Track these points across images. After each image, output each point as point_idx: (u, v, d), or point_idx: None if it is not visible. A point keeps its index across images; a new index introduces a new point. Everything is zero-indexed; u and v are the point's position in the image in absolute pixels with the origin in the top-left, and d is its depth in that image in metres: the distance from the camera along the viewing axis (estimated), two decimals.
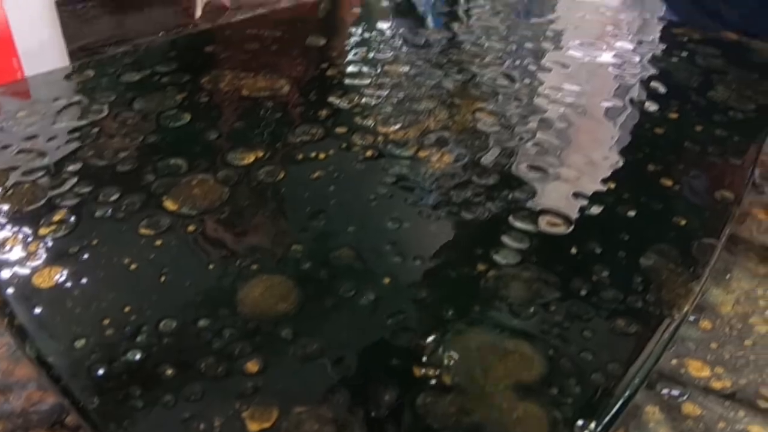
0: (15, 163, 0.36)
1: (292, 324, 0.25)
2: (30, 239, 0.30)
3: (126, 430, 0.21)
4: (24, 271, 0.28)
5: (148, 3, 0.92)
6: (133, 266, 0.28)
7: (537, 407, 0.22)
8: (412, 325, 0.25)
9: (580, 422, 0.21)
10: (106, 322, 0.25)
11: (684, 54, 0.55)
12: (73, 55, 0.71)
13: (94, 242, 0.30)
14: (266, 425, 0.21)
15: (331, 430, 0.21)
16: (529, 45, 0.57)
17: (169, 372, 0.23)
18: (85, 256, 0.29)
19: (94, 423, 0.22)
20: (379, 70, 0.49)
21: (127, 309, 0.26)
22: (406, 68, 0.50)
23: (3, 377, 0.30)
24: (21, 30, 0.54)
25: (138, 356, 0.23)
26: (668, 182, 0.36)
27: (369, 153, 0.38)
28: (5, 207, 0.32)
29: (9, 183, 0.34)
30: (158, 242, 0.30)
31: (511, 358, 0.24)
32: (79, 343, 0.24)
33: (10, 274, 0.28)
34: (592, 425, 0.21)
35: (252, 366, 0.23)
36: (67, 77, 0.48)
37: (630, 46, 0.57)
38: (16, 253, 0.29)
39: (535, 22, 0.64)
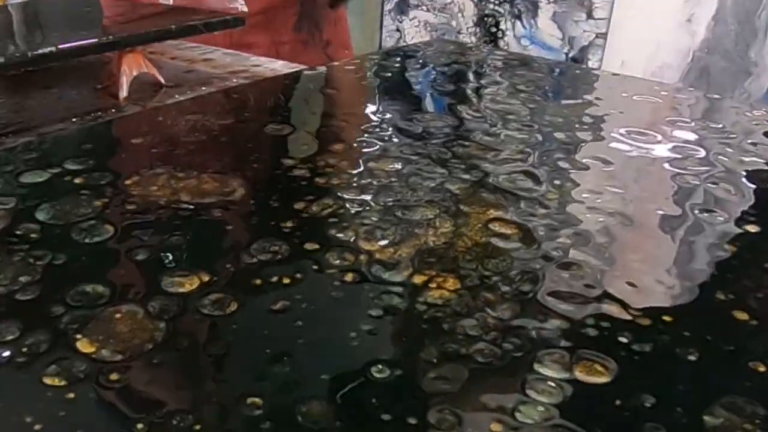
0: None
1: None
2: None
3: None
4: None
5: (57, 81, 0.94)
6: (37, 426, 0.28)
7: None
8: None
9: None
10: None
11: (763, 146, 0.57)
12: None
13: None
14: None
15: None
16: (559, 135, 0.58)
17: None
18: None
19: None
20: (362, 168, 0.50)
21: None
22: (397, 165, 0.51)
23: None
24: None
25: None
26: (743, 316, 0.36)
27: (349, 277, 0.38)
28: None
29: None
30: (70, 395, 0.30)
31: None
32: None
33: None
34: None
35: None
36: None
37: (693, 137, 0.58)
38: None
39: (568, 104, 0.66)
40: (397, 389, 0.31)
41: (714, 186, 0.50)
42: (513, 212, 0.45)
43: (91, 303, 0.36)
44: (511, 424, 0.29)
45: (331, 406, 0.30)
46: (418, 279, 0.38)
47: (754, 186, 0.50)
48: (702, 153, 0.55)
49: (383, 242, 0.41)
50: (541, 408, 0.30)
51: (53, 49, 0.79)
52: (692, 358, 0.33)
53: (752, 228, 0.45)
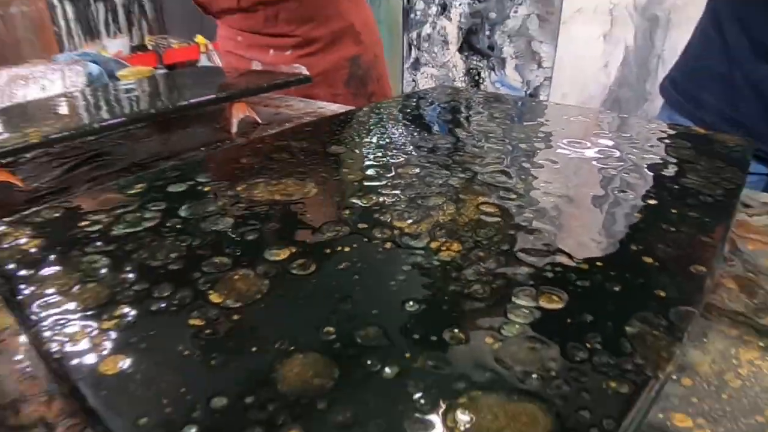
0: (80, 267, 0.37)
1: (327, 396, 0.26)
2: (95, 332, 0.31)
3: None
4: (91, 359, 0.29)
5: (190, 122, 0.95)
6: (186, 353, 0.29)
7: None
8: (431, 391, 0.26)
9: None
10: (165, 401, 0.26)
11: (657, 147, 0.57)
12: (126, 170, 0.74)
13: (152, 333, 0.31)
14: None
15: None
16: (523, 146, 0.58)
17: None
18: (144, 345, 0.30)
19: None
20: (393, 173, 0.50)
21: (182, 390, 0.26)
22: (417, 170, 0.51)
23: None
24: None
25: (193, 430, 0.24)
26: (649, 260, 0.37)
27: (387, 245, 0.39)
28: (73, 305, 0.33)
29: (76, 283, 0.35)
30: (207, 331, 0.30)
31: (520, 417, 0.24)
32: (142, 421, 0.25)
33: (79, 362, 0.29)
34: None
35: None
36: (121, 190, 0.49)
37: (611, 143, 0.58)
38: (84, 344, 0.30)
39: (528, 125, 0.66)
40: (422, 318, 0.32)
41: (626, 175, 0.49)
42: (495, 198, 0.45)
43: (218, 269, 0.36)
44: (498, 338, 0.29)
45: (380, 330, 0.30)
46: (433, 245, 0.38)
47: (652, 174, 0.50)
48: (617, 154, 0.55)
49: (409, 221, 0.42)
50: (518, 326, 0.30)
51: (187, 102, 0.80)
52: (616, 289, 0.33)
53: (652, 201, 0.45)
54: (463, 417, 0.25)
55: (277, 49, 1.32)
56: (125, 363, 0.28)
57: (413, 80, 2.37)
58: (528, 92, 2.38)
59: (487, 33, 2.13)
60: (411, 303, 0.32)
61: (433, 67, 2.33)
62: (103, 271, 0.37)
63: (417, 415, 0.25)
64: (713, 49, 0.87)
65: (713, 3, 0.89)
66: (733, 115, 0.84)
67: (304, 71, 1.25)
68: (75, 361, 0.29)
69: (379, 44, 1.41)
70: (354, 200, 0.46)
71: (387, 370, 0.27)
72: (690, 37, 0.96)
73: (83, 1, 3.90)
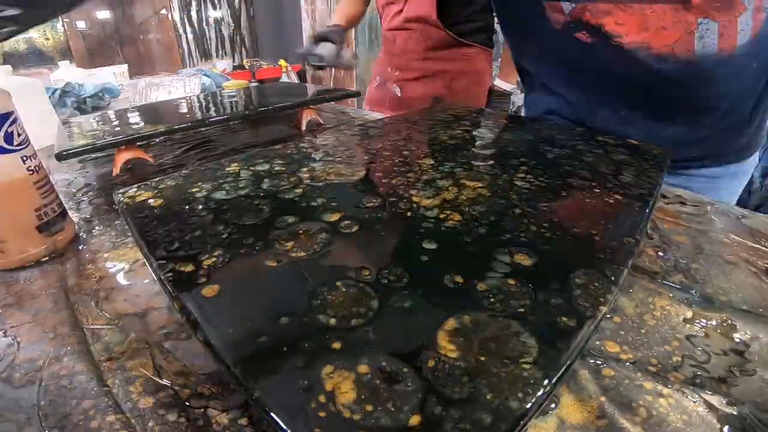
0: (189, 220, 0.38)
1: (365, 317, 0.26)
2: (199, 266, 0.31)
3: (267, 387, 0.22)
4: (195, 286, 0.29)
5: (272, 121, 0.95)
6: (263, 284, 0.29)
7: (521, 362, 0.23)
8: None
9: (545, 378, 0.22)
10: (247, 318, 0.26)
11: (611, 153, 0.56)
12: (226, 153, 0.74)
13: (239, 269, 0.31)
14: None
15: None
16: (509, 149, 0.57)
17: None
18: (233, 277, 0.30)
19: (243, 383, 0.23)
20: (414, 165, 0.50)
21: (259, 310, 0.27)
22: (431, 161, 0.50)
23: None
24: None
25: (264, 338, 0.24)
26: (594, 232, 0.36)
27: (408, 213, 0.39)
28: (183, 246, 0.34)
29: (186, 231, 0.36)
30: (279, 270, 0.31)
31: (500, 336, 0.25)
32: (231, 331, 0.25)
33: (186, 287, 0.29)
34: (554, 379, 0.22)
35: None
36: (222, 167, 0.49)
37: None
38: (190, 275, 0.30)
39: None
40: (436, 260, 0.32)
41: (582, 171, 0.48)
42: (485, 184, 0.45)
43: (288, 225, 0.37)
44: (488, 276, 0.29)
45: (404, 267, 0.30)
46: (441, 215, 0.38)
47: (599, 171, 0.48)
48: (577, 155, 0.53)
49: (425, 199, 0.41)
50: (500, 274, 0.30)
51: (270, 107, 0.80)
52: (570, 251, 0.33)
53: (597, 191, 0.44)
54: (459, 325, 0.25)
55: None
56: (219, 289, 0.29)
57: None
58: (513, 111, 2.35)
59: None
60: (426, 249, 0.32)
61: None
62: (206, 223, 0.37)
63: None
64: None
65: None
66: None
67: (397, 93, 1.24)
68: (183, 287, 0.29)
69: (474, 92, 1.25)
70: (385, 179, 0.45)
71: (407, 302, 0.28)
72: None
73: (201, 31, 3.96)
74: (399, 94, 1.26)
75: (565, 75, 0.72)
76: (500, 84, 1.25)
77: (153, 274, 0.32)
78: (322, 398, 0.21)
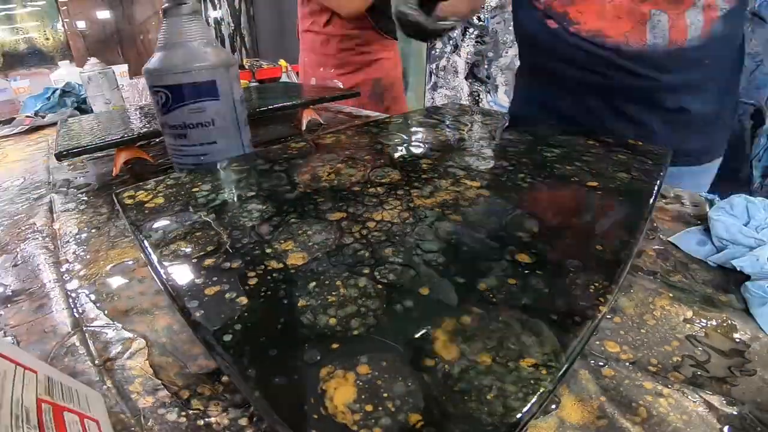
0: (187, 220, 0.37)
1: (374, 300, 0.26)
2: (198, 267, 0.31)
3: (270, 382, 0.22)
4: (194, 286, 0.29)
5: (273, 121, 0.95)
6: (261, 286, 0.29)
7: (523, 363, 0.23)
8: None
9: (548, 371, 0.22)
10: (247, 318, 0.26)
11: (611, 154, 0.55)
12: None
13: (236, 270, 0.31)
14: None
15: None
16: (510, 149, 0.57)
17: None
18: (231, 278, 0.30)
19: (243, 383, 0.23)
20: (415, 163, 0.50)
21: (257, 310, 0.27)
22: (431, 160, 0.50)
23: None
24: None
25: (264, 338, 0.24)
26: (595, 235, 0.36)
27: (410, 207, 0.38)
28: (181, 246, 0.34)
29: (185, 232, 0.36)
30: (275, 274, 0.31)
31: (501, 336, 0.25)
32: (232, 330, 0.25)
33: (186, 288, 0.29)
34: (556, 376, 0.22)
35: None
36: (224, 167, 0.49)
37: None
38: (189, 276, 0.30)
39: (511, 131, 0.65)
40: (436, 259, 0.31)
41: (585, 172, 0.48)
42: (484, 182, 0.45)
43: (290, 225, 0.36)
44: (487, 275, 0.29)
45: (404, 267, 0.30)
46: (441, 212, 0.38)
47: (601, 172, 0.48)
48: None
49: (425, 197, 0.41)
50: (499, 273, 0.30)
51: (272, 106, 0.80)
52: (571, 251, 0.33)
53: (600, 192, 0.44)
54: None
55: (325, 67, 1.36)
56: (219, 289, 0.29)
57: (432, 98, 2.37)
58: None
59: (486, 66, 2.11)
60: (430, 239, 0.32)
61: (446, 89, 2.32)
62: (206, 223, 0.37)
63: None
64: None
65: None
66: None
67: (341, 85, 1.32)
68: (183, 287, 0.29)
69: (396, 74, 1.42)
70: (386, 182, 0.45)
71: (420, 290, 0.28)
72: None
73: None
74: (342, 86, 1.36)
75: (546, 64, 0.74)
76: None
77: (153, 274, 0.32)
78: (322, 398, 0.21)
